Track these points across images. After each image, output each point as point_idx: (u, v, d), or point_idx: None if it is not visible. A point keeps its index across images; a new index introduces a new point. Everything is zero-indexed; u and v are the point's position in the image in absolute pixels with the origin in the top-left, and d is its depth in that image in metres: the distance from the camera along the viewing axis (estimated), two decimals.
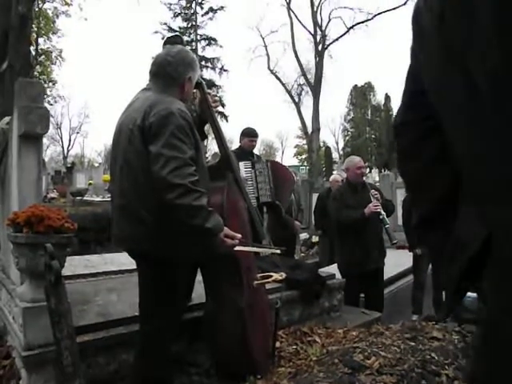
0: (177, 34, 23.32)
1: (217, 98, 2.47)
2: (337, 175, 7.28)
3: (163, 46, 2.32)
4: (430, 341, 2.09)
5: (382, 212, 3.86)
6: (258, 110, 76.26)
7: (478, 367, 0.70)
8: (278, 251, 2.52)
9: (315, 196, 10.59)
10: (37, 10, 17.42)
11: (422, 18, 0.73)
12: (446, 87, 0.69)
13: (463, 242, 0.73)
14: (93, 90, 78.45)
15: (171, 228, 1.90)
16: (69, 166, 24.71)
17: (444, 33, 0.65)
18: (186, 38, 27.64)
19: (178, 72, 2.07)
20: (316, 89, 25.87)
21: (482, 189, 0.67)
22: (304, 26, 27.13)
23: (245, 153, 4.14)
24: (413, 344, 2.05)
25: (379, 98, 48.16)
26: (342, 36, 26.61)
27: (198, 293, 2.47)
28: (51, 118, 2.75)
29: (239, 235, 2.02)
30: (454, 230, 0.77)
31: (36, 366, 2.01)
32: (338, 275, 3.95)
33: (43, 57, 23.22)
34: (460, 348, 1.96)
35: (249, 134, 4.31)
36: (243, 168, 3.85)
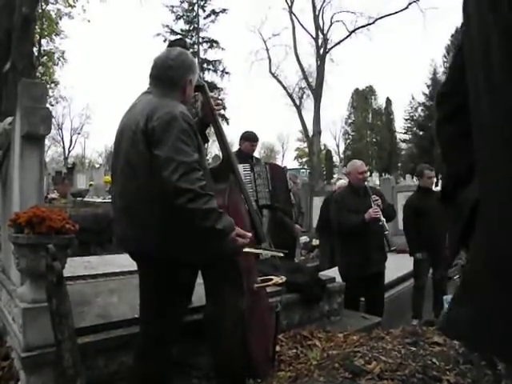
0: (180, 37, 23.41)
1: (219, 101, 2.47)
2: (345, 181, 7.23)
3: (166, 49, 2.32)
4: (431, 346, 2.09)
5: (382, 218, 3.88)
6: (259, 112, 76.52)
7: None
8: (281, 254, 2.52)
9: (316, 199, 10.60)
10: (40, 11, 17.46)
11: (468, 7, 0.81)
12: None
13: (462, 205, 0.85)
14: (94, 92, 78.70)
15: (173, 229, 1.91)
16: (70, 166, 24.70)
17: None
18: (187, 41, 27.73)
19: (179, 75, 2.08)
20: (317, 92, 25.90)
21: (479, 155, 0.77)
22: (306, 30, 27.25)
23: (244, 156, 4.14)
24: (414, 349, 2.04)
25: (380, 102, 48.36)
26: (343, 40, 26.73)
27: (198, 295, 2.46)
28: (52, 119, 2.75)
29: (250, 234, 2.03)
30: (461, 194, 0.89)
31: (35, 368, 2.00)
32: (339, 278, 3.95)
33: (46, 58, 23.28)
34: (461, 353, 1.95)
35: (250, 139, 4.32)
36: (242, 171, 3.85)
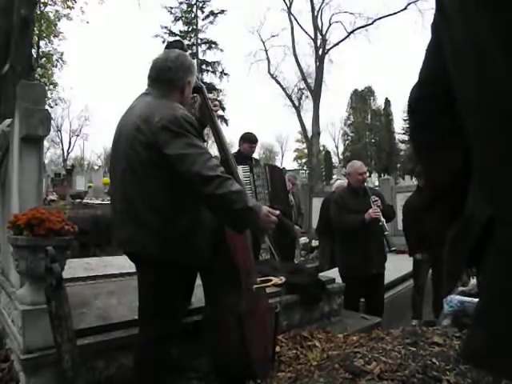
0: (178, 39, 23.44)
1: (217, 102, 2.48)
2: (342, 181, 7.24)
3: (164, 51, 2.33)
4: (431, 346, 2.09)
5: (382, 219, 3.88)
6: (258, 113, 76.55)
7: (478, 332, 0.73)
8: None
9: (315, 200, 10.61)
10: (38, 12, 17.46)
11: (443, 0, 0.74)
12: (462, 64, 0.70)
13: (470, 221, 0.75)
14: (93, 93, 78.55)
15: (175, 231, 1.92)
16: (68, 168, 24.66)
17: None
18: (186, 42, 27.78)
19: (178, 77, 2.09)
20: (316, 93, 25.90)
21: (487, 165, 0.68)
22: (304, 31, 27.24)
23: (243, 157, 4.14)
24: (413, 349, 2.04)
25: (379, 103, 48.47)
26: (342, 40, 26.72)
27: (198, 297, 2.46)
28: (51, 121, 2.75)
29: (277, 211, 2.04)
30: (464, 209, 0.78)
31: (35, 370, 2.00)
32: (339, 279, 3.95)
33: (44, 59, 23.27)
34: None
35: (249, 140, 4.32)
36: (241, 172, 3.86)
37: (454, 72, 0.74)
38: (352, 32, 26.17)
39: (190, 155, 1.82)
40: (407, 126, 42.31)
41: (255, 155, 4.65)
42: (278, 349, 2.58)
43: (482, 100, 0.66)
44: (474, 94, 0.68)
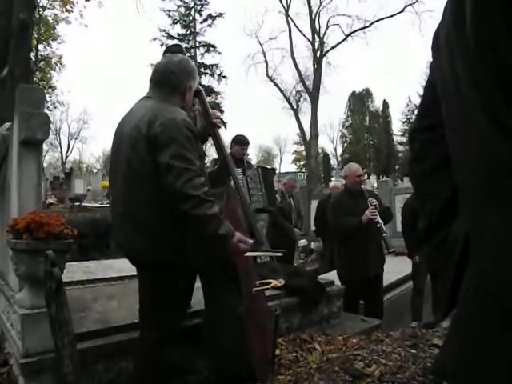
0: (177, 43, 23.47)
1: (218, 114, 2.48)
2: (337, 182, 7.30)
3: (163, 55, 2.34)
4: (431, 348, 2.09)
5: (380, 220, 3.88)
6: (256, 116, 76.57)
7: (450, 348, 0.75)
8: (279, 254, 2.52)
9: (314, 202, 10.62)
10: (37, 16, 17.49)
11: (439, 35, 0.76)
12: (447, 94, 0.72)
13: (453, 246, 0.77)
14: (92, 96, 78.48)
15: (177, 233, 1.93)
16: (67, 171, 24.61)
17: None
18: (184, 45, 27.75)
19: (180, 81, 2.10)
20: (314, 95, 25.93)
21: (464, 192, 0.70)
22: (302, 33, 27.29)
23: (235, 159, 4.14)
24: (414, 351, 2.05)
25: (377, 105, 48.51)
26: (340, 43, 26.78)
27: (197, 299, 2.45)
28: (50, 124, 2.75)
29: (251, 240, 2.07)
30: (450, 235, 0.79)
31: (34, 374, 1.99)
32: (338, 282, 3.95)
33: (43, 63, 23.31)
34: None
35: (240, 142, 4.32)
36: None
37: (443, 107, 0.76)
38: (349, 34, 26.27)
39: (176, 168, 1.82)
40: (405, 127, 42.43)
41: (253, 158, 4.67)
42: (277, 352, 2.58)
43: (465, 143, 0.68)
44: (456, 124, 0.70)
